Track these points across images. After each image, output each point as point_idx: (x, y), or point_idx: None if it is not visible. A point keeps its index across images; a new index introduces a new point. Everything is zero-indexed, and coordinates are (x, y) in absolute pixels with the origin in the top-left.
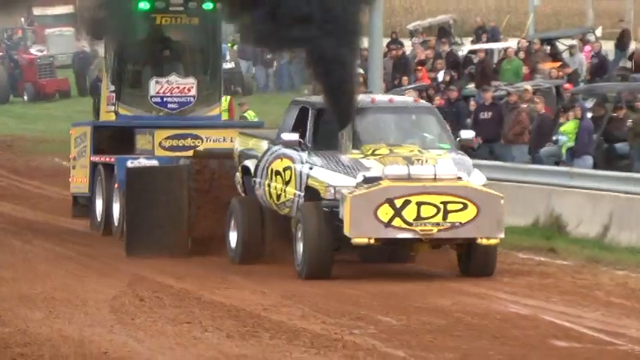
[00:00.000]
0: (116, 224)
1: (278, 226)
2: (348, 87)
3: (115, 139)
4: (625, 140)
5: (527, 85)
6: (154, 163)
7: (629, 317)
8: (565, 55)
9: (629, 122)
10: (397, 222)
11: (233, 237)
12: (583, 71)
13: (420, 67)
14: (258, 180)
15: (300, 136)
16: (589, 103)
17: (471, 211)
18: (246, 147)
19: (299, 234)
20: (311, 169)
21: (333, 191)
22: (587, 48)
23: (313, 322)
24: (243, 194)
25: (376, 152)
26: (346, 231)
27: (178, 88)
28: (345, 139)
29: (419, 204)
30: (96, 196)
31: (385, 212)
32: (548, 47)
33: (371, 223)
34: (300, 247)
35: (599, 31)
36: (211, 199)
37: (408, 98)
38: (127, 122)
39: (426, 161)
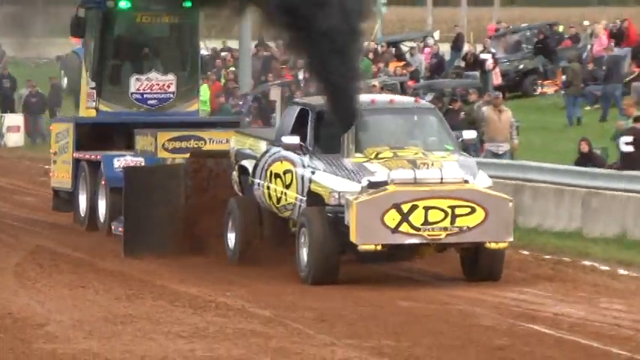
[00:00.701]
0: (102, 221)
1: (276, 225)
2: (349, 88)
3: (93, 134)
4: (460, 129)
5: (376, 82)
6: (140, 160)
7: (462, 281)
8: (408, 56)
9: (463, 113)
10: (405, 227)
11: (231, 237)
12: (423, 69)
13: (283, 66)
14: (256, 181)
15: (301, 139)
16: (429, 97)
17: (479, 214)
18: (242, 146)
19: (302, 239)
20: (313, 173)
21: (337, 197)
22: (427, 50)
23: (191, 286)
24: (240, 193)
25: (380, 155)
26: (353, 238)
27: (158, 84)
28: (348, 142)
29: (426, 208)
30: (79, 192)
31: (392, 218)
32: (394, 49)
33: (378, 229)
34: (304, 252)
35: (437, 35)
36: (209, 198)
37: (409, 99)
38: (109, 118)
39: (432, 164)
